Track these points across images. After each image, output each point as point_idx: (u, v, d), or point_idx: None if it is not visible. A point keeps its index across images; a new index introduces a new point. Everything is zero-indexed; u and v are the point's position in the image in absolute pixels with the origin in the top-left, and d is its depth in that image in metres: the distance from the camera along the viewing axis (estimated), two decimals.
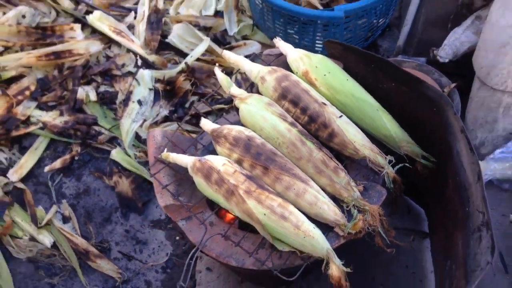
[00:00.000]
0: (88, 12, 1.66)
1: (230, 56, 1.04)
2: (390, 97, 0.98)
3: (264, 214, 0.84)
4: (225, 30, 1.60)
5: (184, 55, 1.55)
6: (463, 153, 0.88)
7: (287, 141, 0.91)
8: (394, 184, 0.92)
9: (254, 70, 1.00)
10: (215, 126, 0.95)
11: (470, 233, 0.83)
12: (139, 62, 1.55)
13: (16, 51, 1.53)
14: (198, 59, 1.51)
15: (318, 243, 0.82)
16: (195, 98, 1.48)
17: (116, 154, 1.38)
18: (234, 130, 0.92)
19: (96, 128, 1.42)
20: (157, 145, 0.98)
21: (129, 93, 1.48)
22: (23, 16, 1.63)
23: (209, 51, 1.54)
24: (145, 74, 1.50)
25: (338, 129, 0.93)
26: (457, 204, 0.91)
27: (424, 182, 1.02)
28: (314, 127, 0.94)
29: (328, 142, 0.94)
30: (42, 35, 1.57)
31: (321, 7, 1.55)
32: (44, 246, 1.23)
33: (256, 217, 0.84)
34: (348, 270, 0.81)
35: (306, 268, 0.86)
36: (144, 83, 1.50)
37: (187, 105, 1.47)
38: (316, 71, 0.99)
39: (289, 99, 0.95)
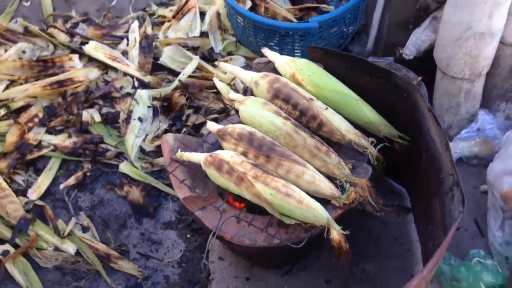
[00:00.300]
0: (83, 43, 1.80)
1: (226, 67, 1.19)
2: (367, 89, 1.15)
3: (271, 194, 0.99)
4: (212, 48, 1.76)
5: (176, 73, 1.70)
6: (432, 128, 1.04)
7: (284, 132, 1.06)
8: (377, 161, 1.08)
9: (248, 76, 1.15)
10: (220, 126, 1.10)
11: (444, 195, 0.99)
12: (136, 83, 1.69)
13: (21, 83, 1.66)
14: (190, 76, 1.67)
15: (319, 213, 0.97)
16: (190, 111, 1.62)
17: (124, 167, 1.51)
18: (237, 127, 1.07)
19: (103, 145, 1.56)
20: (170, 148, 1.12)
21: (130, 112, 1.62)
22: (24, 52, 1.77)
23: (199, 68, 1.69)
24: (143, 94, 1.65)
25: (325, 120, 1.09)
26: (431, 174, 1.08)
27: (402, 161, 1.18)
28: (305, 120, 1.10)
29: (318, 131, 1.09)
30: (44, 67, 1.70)
31: (295, 21, 1.73)
32: (68, 254, 1.35)
33: (265, 197, 0.99)
34: (346, 232, 0.97)
35: (309, 240, 1.01)
36: (142, 102, 1.64)
37: (184, 118, 1.61)
38: (302, 73, 1.15)
39: (281, 98, 1.11)
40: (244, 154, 1.05)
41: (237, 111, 1.13)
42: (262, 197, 0.99)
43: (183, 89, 1.63)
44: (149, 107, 1.64)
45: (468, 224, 1.35)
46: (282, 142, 1.06)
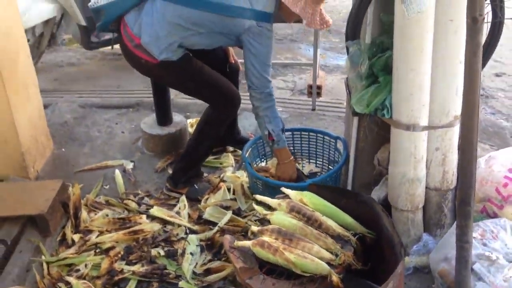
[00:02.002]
0: (148, 209, 2.57)
1: (259, 197, 1.96)
2: (346, 205, 1.90)
3: (294, 257, 1.66)
4: (239, 208, 2.54)
5: (215, 223, 2.44)
6: (386, 223, 1.77)
7: (298, 228, 1.78)
8: (355, 244, 1.78)
9: (274, 201, 1.91)
10: (259, 228, 1.82)
11: (397, 253, 1.67)
12: (188, 230, 2.42)
13: (109, 232, 2.37)
14: (225, 224, 2.41)
15: (324, 267, 1.64)
16: None
17: (182, 284, 2.14)
18: (270, 226, 1.79)
19: (166, 271, 2.20)
20: (229, 241, 1.81)
21: (184, 249, 2.31)
22: (107, 215, 2.52)
23: (231, 220, 2.44)
24: (193, 237, 2.36)
25: (323, 221, 1.82)
26: (391, 256, 1.76)
27: (371, 254, 1.86)
28: (310, 222, 1.82)
29: (318, 228, 1.81)
30: (122, 223, 2.43)
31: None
32: None
33: (291, 260, 1.66)
34: (340, 277, 1.62)
35: None
36: (193, 243, 2.34)
37: (222, 251, 2.30)
38: (306, 198, 1.92)
39: (295, 211, 1.85)
40: (276, 239, 1.75)
41: (268, 221, 1.86)
42: (289, 260, 1.67)
43: (221, 232, 2.35)
44: (197, 245, 2.33)
45: None
46: (298, 232, 1.78)
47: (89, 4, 2.50)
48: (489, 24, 2.09)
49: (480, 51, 1.46)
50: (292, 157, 2.52)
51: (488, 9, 2.04)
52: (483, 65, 2.17)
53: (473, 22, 1.44)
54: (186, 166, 2.68)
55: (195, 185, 2.68)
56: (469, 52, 1.48)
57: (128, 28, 2.36)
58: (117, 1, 2.37)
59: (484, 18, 1.44)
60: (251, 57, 2.31)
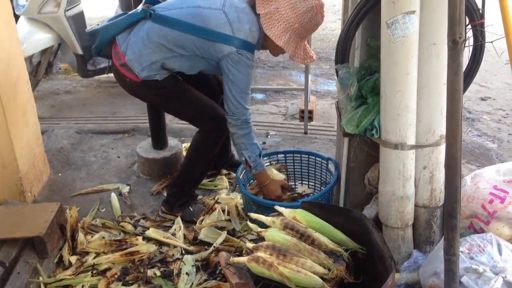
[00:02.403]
0: (143, 231, 2.61)
1: (254, 215, 2.01)
2: (337, 221, 1.96)
3: (289, 272, 1.71)
4: (234, 228, 2.59)
5: (210, 244, 2.48)
6: (377, 238, 1.83)
7: (292, 244, 1.83)
8: (348, 259, 1.83)
9: (268, 218, 1.97)
10: (254, 244, 1.87)
11: (387, 264, 1.73)
12: (183, 251, 2.46)
13: (105, 253, 2.41)
14: (220, 244, 2.45)
15: (317, 281, 1.69)
16: None
17: None
18: (265, 243, 1.84)
19: None
20: (224, 257, 1.86)
21: (180, 269, 2.34)
22: (103, 237, 2.55)
23: (226, 240, 2.49)
24: (188, 258, 2.40)
25: (315, 237, 1.87)
26: (382, 270, 1.82)
27: (363, 269, 1.91)
28: (303, 238, 1.87)
29: (311, 244, 1.86)
30: (119, 244, 2.47)
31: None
32: None
33: (285, 274, 1.71)
34: None
35: None
36: (188, 263, 2.38)
37: (217, 271, 2.34)
38: (299, 215, 1.97)
39: (289, 228, 1.90)
40: (271, 254, 1.80)
41: (262, 238, 1.91)
42: (284, 275, 1.71)
43: (216, 252, 2.40)
44: (193, 266, 2.37)
45: None
46: (292, 248, 1.83)
47: (86, 29, 2.59)
48: (471, 48, 2.20)
49: (461, 70, 1.55)
50: (270, 179, 2.58)
51: (469, 34, 2.15)
52: (466, 86, 2.28)
53: (454, 44, 1.54)
54: (179, 191, 2.74)
55: (190, 207, 2.73)
56: (451, 72, 1.57)
57: (118, 47, 2.47)
58: (111, 24, 2.48)
59: (463, 40, 1.53)
60: (229, 84, 2.37)
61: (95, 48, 2.56)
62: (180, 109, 2.60)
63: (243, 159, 2.50)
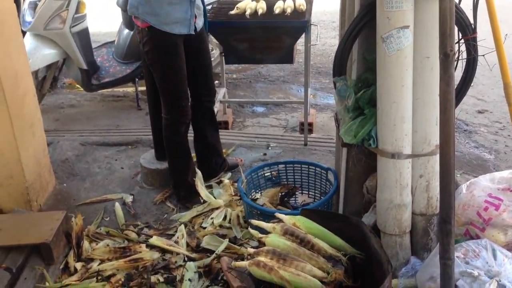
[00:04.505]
0: (147, 239, 2.67)
1: (255, 222, 2.08)
2: (336, 227, 2.02)
3: (289, 275, 1.77)
4: (235, 236, 2.65)
5: (212, 251, 2.54)
6: (375, 244, 1.89)
7: (292, 248, 1.90)
8: (346, 263, 1.89)
9: (269, 225, 2.03)
10: (255, 249, 1.93)
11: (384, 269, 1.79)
12: (186, 258, 2.51)
13: (110, 260, 2.47)
14: (222, 252, 2.51)
15: (316, 284, 1.75)
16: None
17: None
18: (266, 248, 1.91)
19: None
20: (226, 262, 1.92)
21: (183, 275, 2.40)
22: (108, 245, 2.61)
23: (227, 248, 2.55)
24: (191, 265, 2.45)
25: (315, 243, 1.93)
26: (380, 274, 1.87)
27: (361, 273, 1.97)
28: (303, 244, 1.94)
29: (311, 249, 1.92)
30: (123, 251, 2.53)
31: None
32: None
33: (285, 277, 1.77)
34: None
35: None
36: (191, 269, 2.43)
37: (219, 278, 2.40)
38: (298, 222, 2.04)
39: (288, 233, 1.97)
40: (271, 259, 1.86)
41: (263, 243, 1.98)
42: (284, 278, 1.78)
43: (218, 260, 2.46)
44: (195, 272, 2.43)
45: None
46: (292, 253, 1.89)
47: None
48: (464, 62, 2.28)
49: (452, 82, 1.63)
50: None
51: (463, 48, 2.24)
52: (461, 98, 2.36)
53: (445, 56, 1.62)
54: (175, 183, 3.03)
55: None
56: (443, 84, 1.65)
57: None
58: None
59: (454, 54, 1.61)
60: None
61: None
62: (161, 73, 2.77)
63: None
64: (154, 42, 2.66)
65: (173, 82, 2.77)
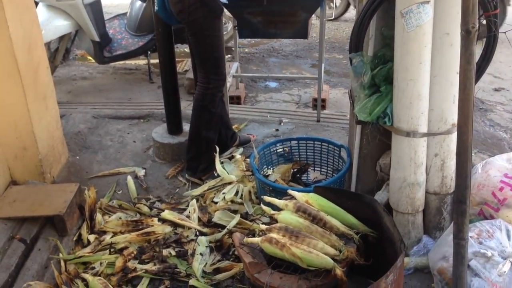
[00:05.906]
0: (159, 213, 2.68)
1: (267, 199, 2.07)
2: (349, 206, 2.01)
3: (301, 252, 1.77)
4: (246, 212, 2.65)
5: (224, 226, 2.55)
6: (388, 222, 1.88)
7: (304, 226, 1.89)
8: (358, 241, 1.88)
9: (281, 201, 2.03)
10: (267, 226, 1.93)
11: (397, 248, 1.78)
12: (197, 233, 2.52)
13: (122, 233, 2.48)
14: (234, 227, 2.51)
15: (328, 261, 1.75)
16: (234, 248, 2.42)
17: (193, 282, 2.24)
18: (278, 225, 1.90)
19: (176, 269, 2.31)
20: (238, 238, 1.92)
21: (194, 250, 2.41)
22: (120, 218, 2.63)
23: (239, 223, 2.55)
24: (203, 239, 2.46)
25: (327, 220, 1.93)
26: (392, 253, 1.86)
27: (373, 252, 1.96)
28: (315, 221, 1.93)
29: (323, 227, 1.92)
30: (135, 225, 2.55)
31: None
32: None
33: (297, 254, 1.77)
34: (344, 270, 1.72)
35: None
36: (202, 244, 2.44)
37: (230, 252, 2.41)
38: (311, 199, 2.03)
39: (301, 210, 1.96)
40: (283, 235, 1.86)
41: (275, 220, 1.97)
42: (296, 255, 1.77)
43: (229, 235, 2.46)
44: (207, 246, 2.44)
45: None
46: (304, 230, 1.89)
47: None
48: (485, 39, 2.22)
49: (473, 60, 1.58)
50: None
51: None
52: (479, 76, 2.30)
53: (467, 33, 1.57)
54: (196, 155, 2.95)
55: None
56: (464, 61, 1.60)
57: None
58: None
59: (476, 30, 1.56)
60: None
61: None
62: (210, 43, 2.76)
63: None
64: (206, 9, 2.65)
65: (220, 48, 2.80)
